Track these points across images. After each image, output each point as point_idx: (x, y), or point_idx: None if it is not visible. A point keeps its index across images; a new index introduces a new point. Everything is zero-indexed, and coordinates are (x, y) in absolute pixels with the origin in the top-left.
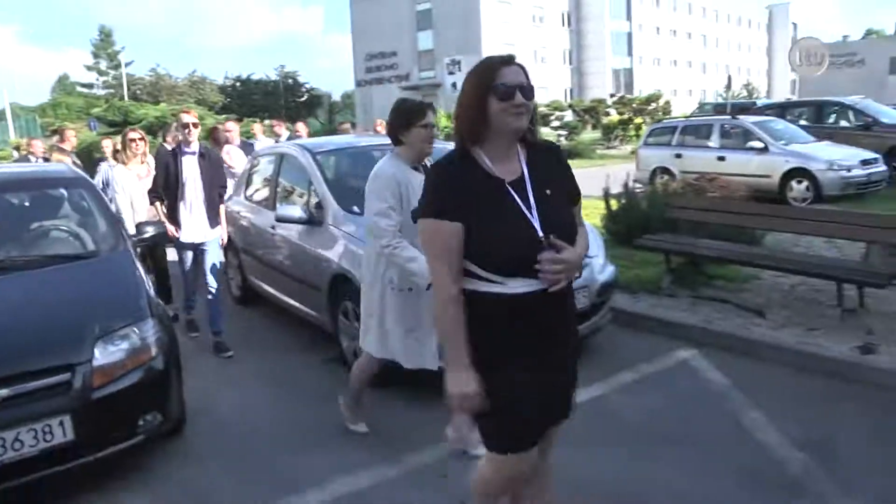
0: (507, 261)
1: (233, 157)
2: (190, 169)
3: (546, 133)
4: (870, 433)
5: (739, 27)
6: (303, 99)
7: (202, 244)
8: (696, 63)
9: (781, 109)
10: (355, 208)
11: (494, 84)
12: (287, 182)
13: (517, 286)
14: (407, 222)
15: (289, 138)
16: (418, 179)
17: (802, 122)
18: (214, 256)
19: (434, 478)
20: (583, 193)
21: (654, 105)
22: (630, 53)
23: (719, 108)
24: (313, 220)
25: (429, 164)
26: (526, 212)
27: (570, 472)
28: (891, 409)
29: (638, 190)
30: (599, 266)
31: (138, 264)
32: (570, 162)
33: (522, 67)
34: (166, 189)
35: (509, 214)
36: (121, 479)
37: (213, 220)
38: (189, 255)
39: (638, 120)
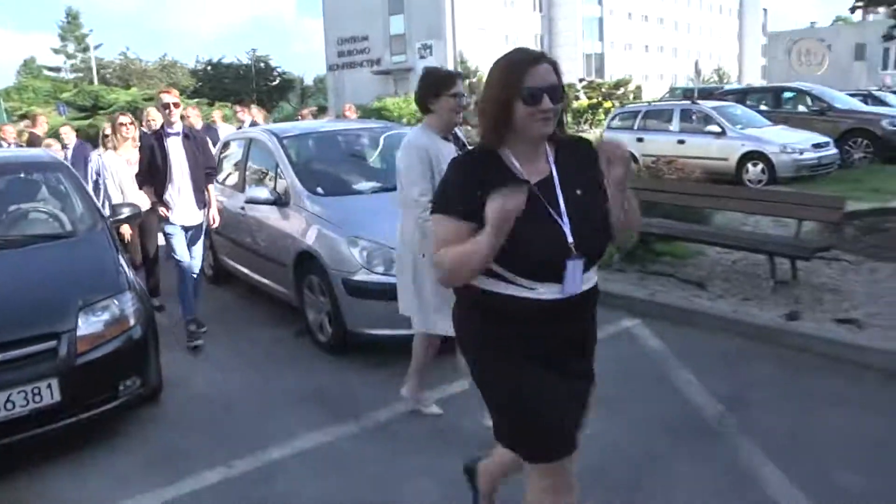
0: (535, 266)
1: None
2: (175, 151)
3: None
4: (783, 389)
5: (711, 13)
6: (275, 83)
7: (191, 227)
8: (668, 48)
9: (742, 95)
10: (319, 189)
11: (521, 87)
12: (256, 165)
13: (546, 292)
14: None
15: (252, 124)
16: (448, 149)
17: (762, 108)
18: (201, 239)
19: (388, 433)
20: None
21: (622, 90)
22: (601, 38)
23: (688, 94)
24: (279, 201)
25: (458, 133)
26: (555, 215)
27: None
28: (804, 369)
29: None
30: None
31: (115, 243)
32: None
33: (553, 65)
34: (153, 172)
35: (538, 218)
36: (106, 442)
37: (201, 202)
38: (180, 238)
39: (607, 104)
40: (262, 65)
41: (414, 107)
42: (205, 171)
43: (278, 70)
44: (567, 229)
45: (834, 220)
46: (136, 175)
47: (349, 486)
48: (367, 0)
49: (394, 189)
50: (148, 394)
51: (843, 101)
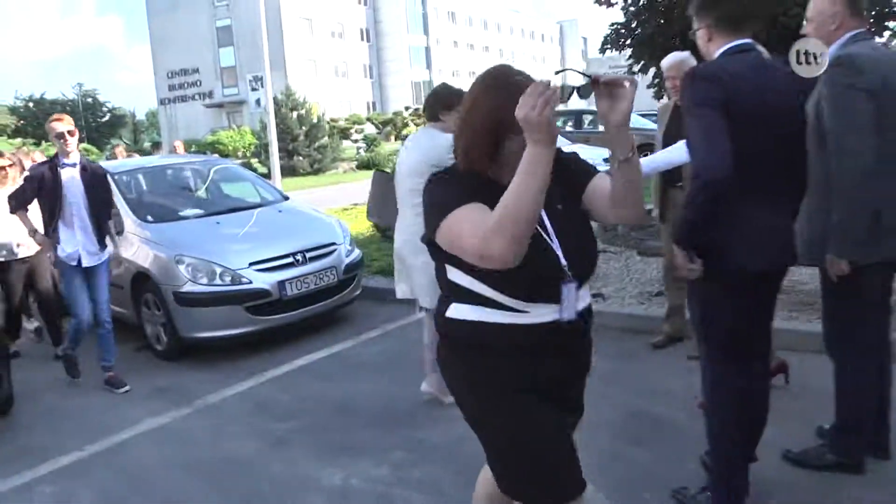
0: (530, 283)
1: None
2: (71, 183)
3: (346, 146)
4: None
5: (533, 41)
6: (104, 119)
7: (89, 268)
8: None
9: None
10: (149, 217)
11: (513, 120)
12: None
13: (540, 315)
14: None
15: None
16: None
17: (567, 128)
18: (104, 281)
19: (215, 411)
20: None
21: None
22: (429, 66)
23: None
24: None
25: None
26: (543, 234)
27: (332, 394)
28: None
29: None
30: (346, 250)
31: None
32: (364, 172)
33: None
34: (41, 203)
35: None
36: None
37: (101, 240)
38: (76, 278)
39: None
40: (89, 100)
41: (249, 139)
42: (103, 208)
43: (108, 105)
44: (559, 251)
45: None
46: (10, 197)
47: (183, 451)
48: (195, 31)
49: (216, 213)
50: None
51: (636, 121)
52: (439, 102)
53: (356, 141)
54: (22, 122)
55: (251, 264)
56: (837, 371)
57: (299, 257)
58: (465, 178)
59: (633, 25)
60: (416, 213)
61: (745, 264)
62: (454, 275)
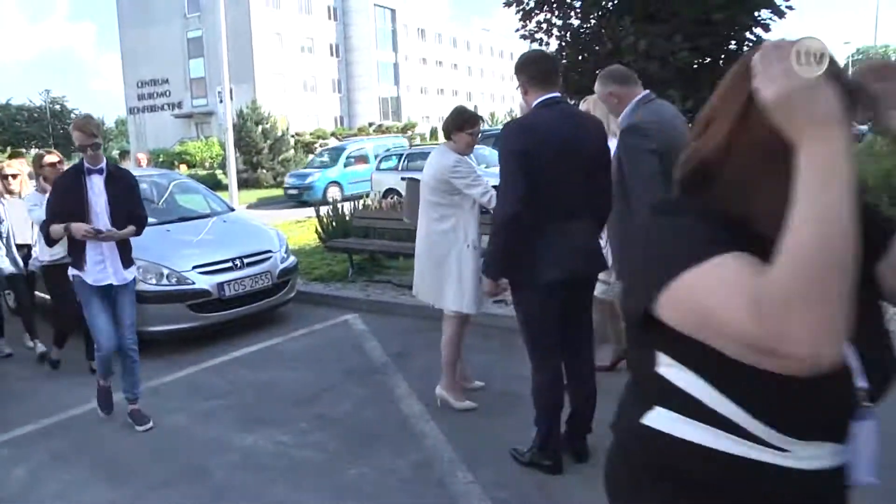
0: (803, 407)
1: None
2: (97, 193)
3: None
4: (432, 345)
5: (502, 59)
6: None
7: (114, 287)
8: (462, 91)
9: (496, 137)
10: None
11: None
12: None
13: (807, 455)
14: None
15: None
16: None
17: None
18: (130, 303)
19: (151, 391)
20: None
21: (410, 132)
22: (397, 83)
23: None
24: None
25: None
26: None
27: (257, 380)
28: None
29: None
30: (281, 257)
31: None
32: None
33: None
34: (66, 216)
35: None
36: None
37: (127, 257)
38: (97, 300)
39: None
40: (57, 107)
41: (216, 150)
42: (134, 218)
43: (76, 112)
44: (853, 358)
45: None
46: (44, 225)
47: (126, 423)
48: (166, 42)
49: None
50: None
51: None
52: (452, 124)
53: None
54: None
55: (194, 267)
56: None
57: (238, 262)
58: (705, 214)
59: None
60: (430, 221)
61: (550, 277)
62: (671, 371)
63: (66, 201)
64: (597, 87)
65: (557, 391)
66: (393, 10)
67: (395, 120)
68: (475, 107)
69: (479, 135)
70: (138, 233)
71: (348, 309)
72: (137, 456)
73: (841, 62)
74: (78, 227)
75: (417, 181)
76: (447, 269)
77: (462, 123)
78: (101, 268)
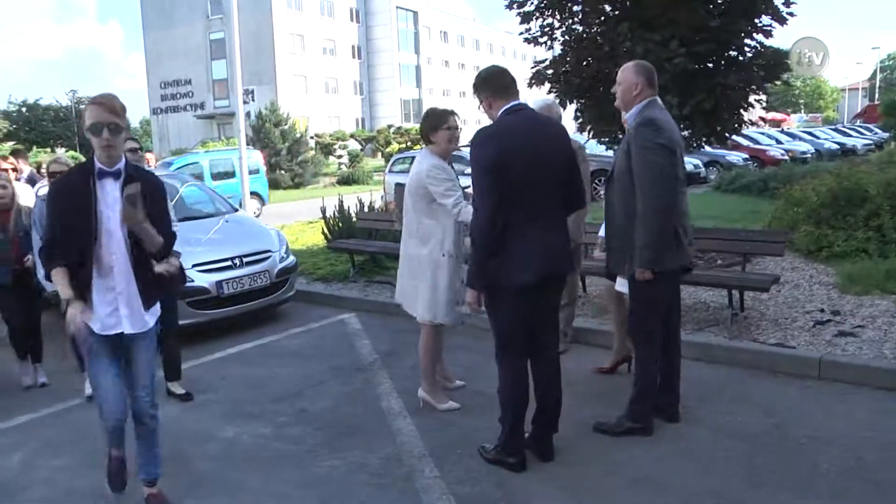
0: None
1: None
2: (110, 201)
3: (332, 161)
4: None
5: (524, 62)
6: None
7: (128, 337)
8: None
9: None
10: None
11: None
12: None
13: None
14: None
15: (28, 178)
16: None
17: None
18: (149, 358)
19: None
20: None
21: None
22: (419, 85)
23: None
24: None
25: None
26: None
27: (249, 375)
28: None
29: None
30: (280, 257)
31: None
32: (344, 188)
33: None
34: (66, 235)
35: None
36: None
37: (150, 294)
38: (106, 353)
39: (418, 147)
40: (82, 106)
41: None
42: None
43: None
44: None
45: None
46: (42, 250)
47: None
48: (190, 44)
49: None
50: None
51: (592, 147)
52: (426, 124)
53: (340, 157)
54: (14, 126)
55: (194, 265)
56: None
57: (237, 261)
58: None
59: (552, 64)
60: (410, 227)
61: (520, 280)
62: None
63: (67, 214)
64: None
65: (522, 390)
66: (415, 13)
67: (416, 122)
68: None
69: (459, 128)
70: (163, 255)
71: (346, 308)
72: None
73: (869, 68)
74: (71, 316)
75: (404, 185)
76: (422, 278)
77: (436, 123)
78: (111, 309)
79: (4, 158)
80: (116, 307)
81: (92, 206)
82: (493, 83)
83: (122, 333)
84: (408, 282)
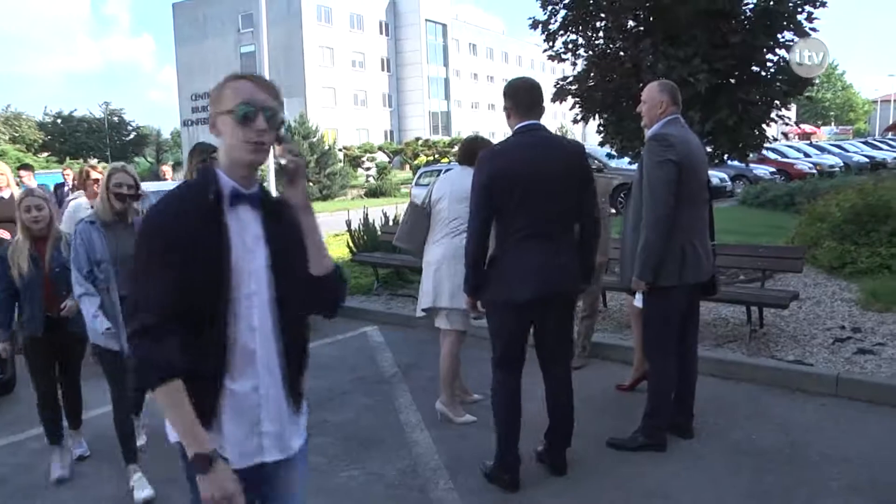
0: None
1: None
2: (254, 242)
3: (359, 173)
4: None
5: (554, 75)
6: (129, 137)
7: (272, 467)
8: None
9: None
10: None
11: None
12: None
13: None
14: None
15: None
16: None
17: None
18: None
19: None
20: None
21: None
22: (447, 97)
23: None
24: None
25: None
26: None
27: None
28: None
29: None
30: None
31: None
32: (371, 200)
33: None
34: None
35: None
36: None
37: (297, 391)
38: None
39: (445, 160)
40: (115, 119)
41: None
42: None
43: (133, 124)
44: None
45: None
46: (139, 337)
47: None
48: (220, 57)
49: None
50: None
51: (620, 162)
52: (466, 155)
53: (368, 169)
54: (49, 137)
55: None
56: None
57: None
58: None
59: (576, 79)
60: (455, 235)
61: (519, 295)
62: None
63: (184, 268)
64: None
65: (514, 406)
66: (444, 25)
67: (444, 134)
68: None
69: None
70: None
71: (369, 321)
72: (149, 452)
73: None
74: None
75: (419, 206)
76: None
77: (478, 151)
78: (251, 428)
79: (27, 168)
80: (258, 419)
81: (224, 251)
82: (518, 97)
83: (263, 464)
84: (453, 280)
